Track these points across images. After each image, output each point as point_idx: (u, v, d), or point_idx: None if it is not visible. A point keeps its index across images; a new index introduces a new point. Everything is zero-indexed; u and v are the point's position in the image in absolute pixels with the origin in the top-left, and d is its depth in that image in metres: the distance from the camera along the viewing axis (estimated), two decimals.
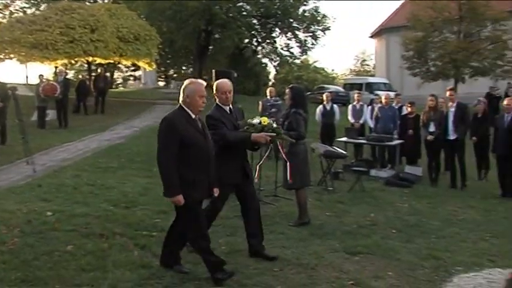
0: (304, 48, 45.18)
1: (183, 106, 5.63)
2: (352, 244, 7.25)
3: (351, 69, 76.04)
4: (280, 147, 7.25)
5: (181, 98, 5.64)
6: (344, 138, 14.04)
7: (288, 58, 46.12)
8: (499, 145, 11.73)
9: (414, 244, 7.56)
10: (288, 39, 44.87)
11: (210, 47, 44.52)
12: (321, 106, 15.47)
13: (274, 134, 6.65)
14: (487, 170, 13.71)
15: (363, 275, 6.15)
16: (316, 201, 9.85)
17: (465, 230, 8.59)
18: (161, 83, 61.38)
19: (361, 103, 15.77)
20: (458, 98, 13.29)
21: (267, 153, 7.89)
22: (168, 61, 52.99)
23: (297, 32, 44.02)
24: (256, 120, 6.65)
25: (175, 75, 61.77)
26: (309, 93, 38.39)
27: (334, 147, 11.94)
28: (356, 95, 16.25)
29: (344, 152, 11.61)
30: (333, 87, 38.65)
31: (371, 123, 15.08)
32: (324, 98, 15.60)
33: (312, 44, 44.49)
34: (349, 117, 15.74)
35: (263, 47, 46.57)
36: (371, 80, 40.22)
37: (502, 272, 6.24)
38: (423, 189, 12.08)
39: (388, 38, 48.26)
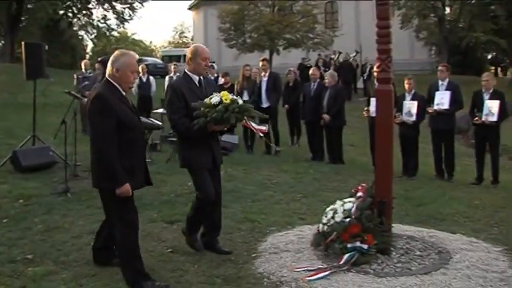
0: (121, 20, 44.28)
1: (112, 81, 4.93)
2: (170, 213, 7.34)
3: (169, 41, 75.97)
4: (248, 125, 6.13)
5: (108, 71, 4.96)
6: (160, 110, 13.96)
7: (105, 30, 44.94)
8: (307, 112, 12.39)
9: (231, 209, 7.78)
10: (105, 10, 43.69)
11: (23, 18, 41.98)
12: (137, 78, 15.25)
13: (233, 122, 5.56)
14: (298, 135, 14.45)
15: (181, 242, 6.22)
16: None
17: (278, 193, 9.03)
18: None
19: (177, 74, 15.82)
20: (274, 68, 13.82)
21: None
22: None
23: (114, 3, 42.97)
24: (215, 99, 5.44)
25: None
26: None
27: (151, 119, 11.89)
28: (173, 67, 16.31)
29: (160, 123, 11.61)
30: (150, 59, 38.49)
31: None
32: (140, 70, 15.41)
33: (130, 15, 43.79)
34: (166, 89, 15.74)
35: (79, 19, 44.87)
36: None
37: (311, 227, 6.66)
38: (239, 156, 12.44)
39: (205, 11, 48.83)
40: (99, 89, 4.94)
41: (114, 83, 4.94)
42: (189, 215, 6.02)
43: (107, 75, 5.00)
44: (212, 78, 15.22)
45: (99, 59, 9.02)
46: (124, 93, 5.01)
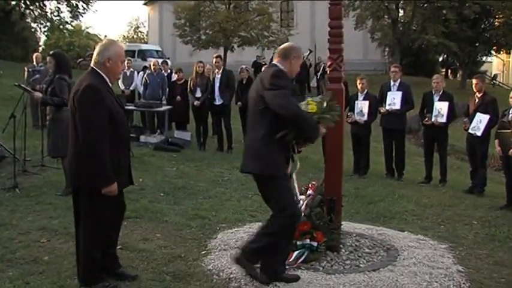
0: (75, 13, 43.47)
1: (99, 71, 4.62)
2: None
3: (124, 36, 74.96)
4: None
5: (96, 61, 4.63)
6: None
7: (59, 23, 44.05)
8: None
9: (181, 206, 7.82)
10: (58, 3, 42.79)
11: None
12: None
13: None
14: None
15: (132, 239, 6.21)
16: None
17: (230, 190, 9.05)
18: None
19: (131, 69, 15.67)
20: (229, 65, 13.74)
21: None
22: None
23: None
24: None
25: None
26: (81, 59, 37.25)
27: None
28: (126, 62, 16.11)
29: None
30: None
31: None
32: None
33: (84, 9, 42.99)
34: (119, 84, 15.57)
35: (32, 11, 43.82)
36: (144, 47, 40.04)
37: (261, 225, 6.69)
38: (191, 153, 12.40)
39: (161, 6, 48.48)
40: (89, 79, 4.57)
41: (102, 74, 4.64)
42: (269, 241, 4.86)
43: (93, 66, 4.67)
44: (165, 74, 15.16)
45: (51, 52, 8.85)
46: (111, 85, 4.75)
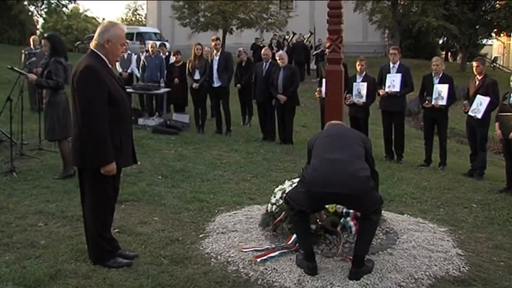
0: None
1: (99, 53, 4.66)
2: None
3: (122, 19, 74.61)
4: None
5: (96, 42, 4.67)
6: None
7: (56, 6, 43.76)
8: (259, 92, 12.32)
9: (179, 188, 7.79)
10: None
11: None
12: None
13: None
14: (250, 115, 14.41)
15: (129, 222, 6.19)
16: None
17: (228, 172, 9.01)
18: None
19: (128, 52, 15.55)
20: (228, 48, 13.63)
21: None
22: None
23: None
24: None
25: None
26: (79, 42, 37.06)
27: None
28: None
29: None
30: None
31: (138, 73, 15.03)
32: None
33: None
34: (117, 67, 15.46)
35: None
36: (142, 29, 39.79)
37: (260, 208, 6.66)
38: (190, 135, 12.33)
39: None
40: (88, 60, 4.61)
41: (101, 55, 4.68)
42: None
43: (92, 47, 4.71)
44: (163, 56, 15.07)
45: (45, 35, 8.79)
46: (110, 66, 4.79)
